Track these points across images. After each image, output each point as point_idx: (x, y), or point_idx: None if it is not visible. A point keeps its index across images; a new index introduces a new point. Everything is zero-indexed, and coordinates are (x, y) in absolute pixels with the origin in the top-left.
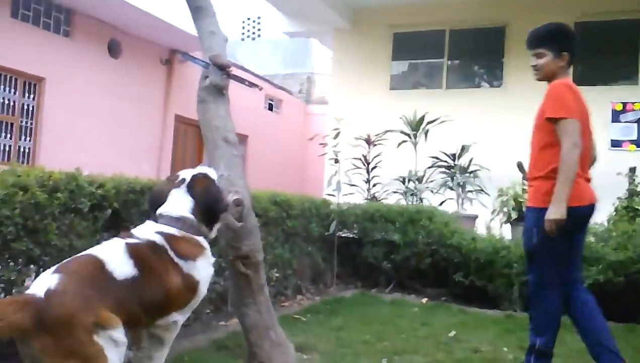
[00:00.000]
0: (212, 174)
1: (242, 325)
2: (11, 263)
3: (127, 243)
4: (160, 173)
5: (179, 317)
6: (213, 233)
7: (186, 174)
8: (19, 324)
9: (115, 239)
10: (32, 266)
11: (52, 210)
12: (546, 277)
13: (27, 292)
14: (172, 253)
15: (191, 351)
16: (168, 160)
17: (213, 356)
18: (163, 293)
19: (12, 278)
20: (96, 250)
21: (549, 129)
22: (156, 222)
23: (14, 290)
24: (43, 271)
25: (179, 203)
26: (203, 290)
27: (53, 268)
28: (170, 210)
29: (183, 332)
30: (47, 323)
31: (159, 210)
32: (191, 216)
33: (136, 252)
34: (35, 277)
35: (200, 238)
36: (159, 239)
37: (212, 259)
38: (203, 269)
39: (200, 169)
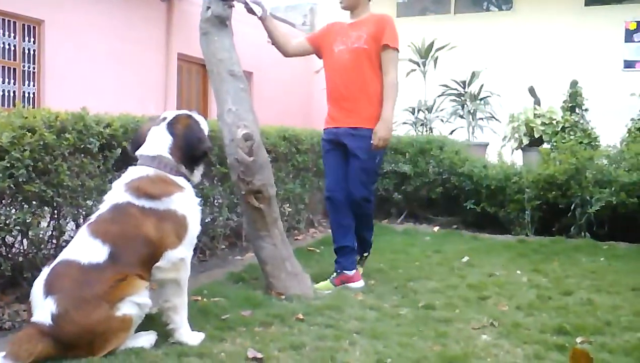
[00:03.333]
0: (198, 116)
1: (258, 257)
2: (25, 206)
3: (88, 228)
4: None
5: (184, 254)
6: (196, 177)
7: (169, 113)
8: (46, 354)
9: (81, 228)
10: (46, 208)
11: (62, 151)
12: None
13: (33, 319)
14: (139, 202)
15: (209, 285)
16: (173, 100)
17: (231, 288)
18: (144, 242)
19: (27, 220)
20: (66, 254)
21: (377, 54)
22: (135, 164)
23: (30, 233)
24: (57, 213)
25: (157, 141)
26: (193, 222)
27: (41, 289)
28: (147, 149)
29: (200, 268)
30: (67, 342)
31: (138, 151)
32: (168, 155)
33: (101, 229)
34: (50, 219)
35: (178, 178)
36: (122, 197)
37: (195, 197)
38: (183, 203)
39: (186, 111)
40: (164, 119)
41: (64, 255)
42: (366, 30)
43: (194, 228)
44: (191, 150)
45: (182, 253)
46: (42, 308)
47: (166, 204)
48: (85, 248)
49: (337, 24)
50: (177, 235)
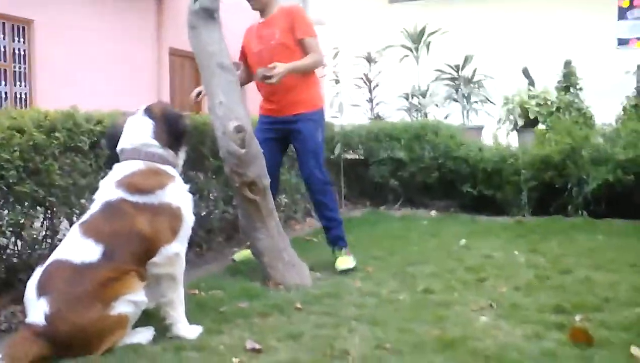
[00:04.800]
0: (169, 103)
1: (254, 249)
2: (17, 207)
3: (80, 227)
4: None
5: (179, 249)
6: (180, 160)
7: (142, 105)
8: (41, 354)
9: (72, 227)
10: (38, 208)
11: (52, 150)
12: None
13: (27, 321)
14: (132, 198)
15: (206, 278)
16: (166, 94)
17: (228, 280)
18: (138, 239)
19: (20, 221)
20: (58, 254)
21: (295, 43)
22: (118, 160)
23: (23, 234)
24: (50, 212)
25: (139, 128)
26: (188, 213)
27: (34, 290)
28: (129, 140)
29: (197, 262)
30: (62, 342)
31: (119, 145)
32: (152, 141)
33: (93, 228)
34: (44, 219)
35: (167, 167)
36: (114, 194)
37: (184, 185)
38: (177, 194)
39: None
40: (138, 109)
41: (56, 255)
42: (278, 26)
43: (189, 219)
44: (174, 128)
45: (177, 247)
46: (36, 309)
47: (160, 197)
48: (78, 247)
49: (250, 28)
50: (172, 230)
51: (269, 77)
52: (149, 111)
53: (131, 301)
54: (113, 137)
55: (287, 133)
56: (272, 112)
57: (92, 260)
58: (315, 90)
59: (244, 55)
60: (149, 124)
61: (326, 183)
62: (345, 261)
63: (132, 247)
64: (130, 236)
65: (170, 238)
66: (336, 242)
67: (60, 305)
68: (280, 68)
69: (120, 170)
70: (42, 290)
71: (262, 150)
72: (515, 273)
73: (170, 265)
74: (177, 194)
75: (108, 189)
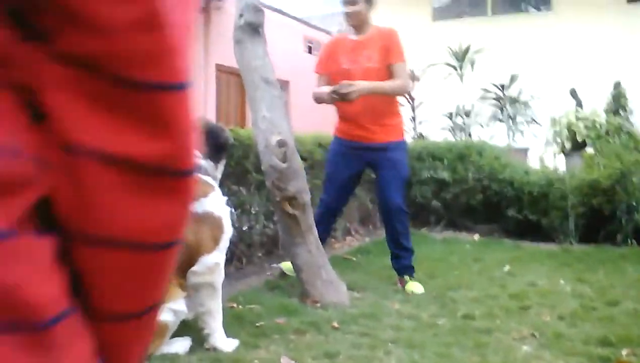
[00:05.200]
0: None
1: (293, 265)
2: None
3: None
4: None
5: (218, 258)
6: (219, 173)
7: None
8: None
9: None
10: None
11: None
12: None
13: None
14: None
15: (245, 292)
16: (212, 111)
17: (267, 295)
18: (182, 246)
19: None
20: None
21: (387, 68)
22: None
23: None
24: None
25: None
26: (228, 225)
27: None
28: None
29: (236, 276)
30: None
31: None
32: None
33: None
34: None
35: (207, 178)
36: None
37: (224, 197)
38: (218, 203)
39: None
40: None
41: None
42: (374, 47)
43: (228, 230)
44: (215, 141)
45: (217, 257)
46: None
47: (204, 206)
48: None
49: (338, 41)
50: (213, 239)
51: (346, 94)
52: None
53: (172, 309)
54: None
55: (373, 160)
56: (360, 138)
57: None
58: (401, 118)
59: (325, 68)
60: None
61: (405, 212)
62: (416, 286)
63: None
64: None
65: (211, 247)
66: (405, 271)
67: None
68: (360, 85)
69: None
70: None
71: (337, 174)
72: (559, 302)
73: (210, 274)
74: (219, 204)
75: None
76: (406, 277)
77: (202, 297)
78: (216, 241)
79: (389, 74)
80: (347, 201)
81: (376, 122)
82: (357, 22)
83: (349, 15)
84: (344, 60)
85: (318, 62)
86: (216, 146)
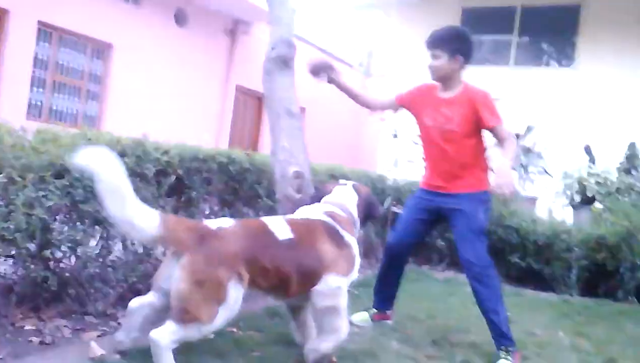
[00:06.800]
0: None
1: None
2: (78, 224)
3: (285, 219)
4: (219, 142)
5: (341, 282)
6: (357, 233)
7: (344, 181)
8: (182, 240)
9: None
10: (96, 227)
11: None
12: None
13: (202, 222)
14: (337, 226)
15: (246, 317)
16: (227, 130)
17: (266, 323)
18: (314, 257)
19: (77, 238)
20: (264, 219)
21: (471, 131)
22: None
23: (78, 250)
24: (106, 233)
25: (346, 196)
26: (357, 269)
27: (230, 219)
28: (336, 199)
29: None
30: (202, 249)
31: (325, 199)
32: (354, 208)
33: (293, 223)
34: (100, 238)
35: (355, 229)
36: (324, 217)
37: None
38: (356, 247)
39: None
40: (344, 184)
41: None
42: (458, 111)
43: (356, 271)
44: (370, 211)
45: (340, 282)
46: (220, 221)
47: (349, 240)
48: (279, 226)
49: (426, 89)
50: (343, 267)
51: (510, 193)
52: (356, 188)
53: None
54: (319, 195)
55: (444, 210)
56: (438, 189)
57: (280, 237)
58: (487, 173)
59: (402, 101)
60: (355, 196)
61: (484, 267)
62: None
63: (304, 255)
64: (309, 247)
65: (338, 271)
66: (498, 340)
67: (232, 233)
68: (508, 177)
69: (325, 206)
70: (236, 222)
71: (405, 215)
72: (557, 355)
73: (334, 296)
74: (356, 247)
75: (312, 212)
76: (501, 352)
77: (326, 321)
78: (344, 270)
79: (470, 134)
80: (409, 244)
81: (457, 175)
82: (439, 78)
83: (429, 69)
84: (427, 112)
85: (402, 94)
86: (367, 214)
